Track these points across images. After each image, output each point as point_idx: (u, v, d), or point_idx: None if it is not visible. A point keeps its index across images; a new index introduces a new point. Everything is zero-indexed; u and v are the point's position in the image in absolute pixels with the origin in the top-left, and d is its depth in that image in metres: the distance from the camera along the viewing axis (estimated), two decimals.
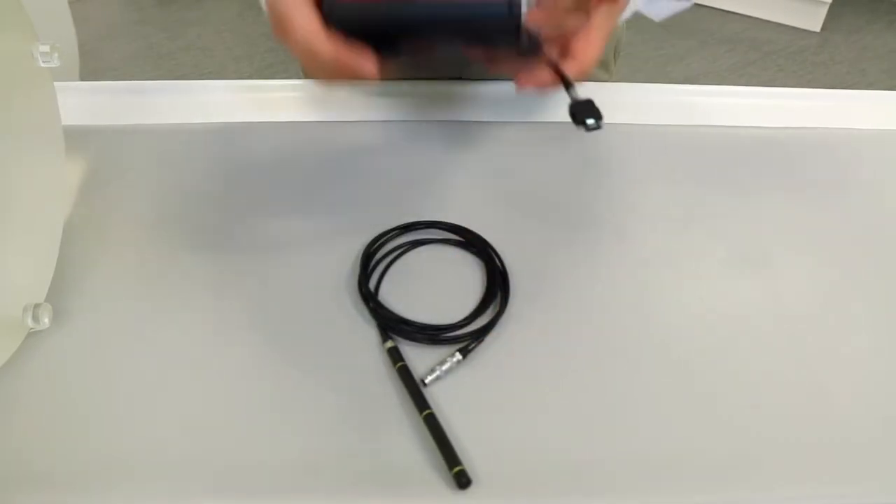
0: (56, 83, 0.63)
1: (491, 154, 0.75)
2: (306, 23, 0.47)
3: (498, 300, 0.59)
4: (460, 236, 0.64)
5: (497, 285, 0.60)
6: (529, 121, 0.78)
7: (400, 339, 0.57)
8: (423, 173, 0.72)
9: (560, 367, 0.56)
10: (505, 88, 0.84)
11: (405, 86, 0.83)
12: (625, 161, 0.74)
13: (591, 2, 0.50)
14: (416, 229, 0.65)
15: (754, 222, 0.69)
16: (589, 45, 0.49)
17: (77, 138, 0.73)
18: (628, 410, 0.54)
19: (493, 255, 0.62)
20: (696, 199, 0.71)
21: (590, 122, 0.47)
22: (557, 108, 0.82)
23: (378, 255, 0.63)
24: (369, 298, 0.59)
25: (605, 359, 0.57)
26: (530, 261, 0.63)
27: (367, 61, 0.47)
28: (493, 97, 0.83)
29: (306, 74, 0.96)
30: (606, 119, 0.78)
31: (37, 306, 0.56)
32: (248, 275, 0.62)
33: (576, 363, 0.57)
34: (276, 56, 2.17)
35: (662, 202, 0.70)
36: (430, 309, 0.59)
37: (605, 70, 0.94)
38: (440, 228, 0.65)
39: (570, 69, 0.48)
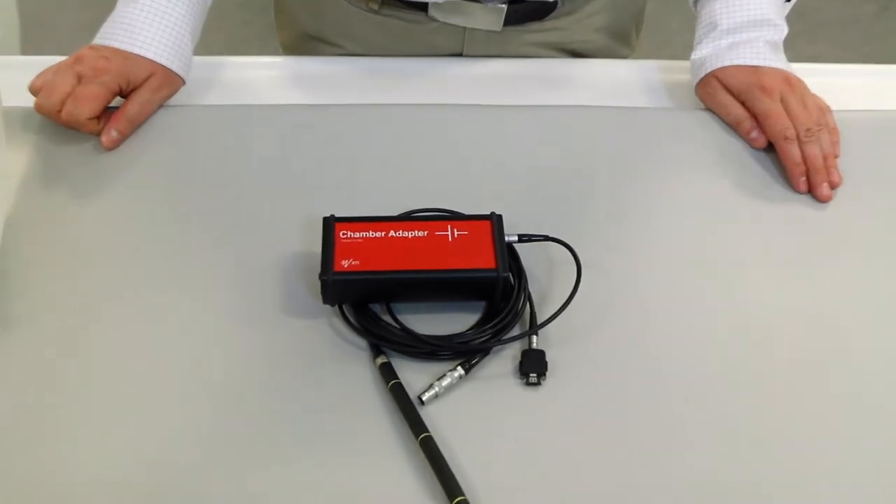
0: None
1: (499, 140, 0.75)
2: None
3: (508, 307, 0.60)
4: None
5: (506, 289, 0.60)
6: (541, 104, 0.79)
7: (394, 354, 0.58)
8: (424, 162, 0.73)
9: (576, 385, 0.57)
10: (510, 67, 0.84)
11: (401, 63, 0.84)
12: (649, 148, 0.75)
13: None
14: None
15: (796, 220, 0.69)
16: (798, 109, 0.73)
17: (19, 122, 0.73)
18: (649, 437, 0.55)
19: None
20: (730, 193, 0.71)
21: (532, 376, 0.56)
22: (571, 89, 0.82)
23: None
24: (358, 307, 0.60)
25: (625, 375, 0.58)
26: (547, 260, 0.64)
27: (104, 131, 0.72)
28: (497, 77, 0.83)
29: (284, 50, 0.97)
30: (624, 101, 0.80)
31: None
32: (218, 276, 0.63)
33: (594, 380, 0.57)
34: (251, 28, 2.17)
35: (692, 195, 0.71)
36: (429, 318, 0.60)
37: (626, 44, 0.94)
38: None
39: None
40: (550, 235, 0.62)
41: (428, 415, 0.54)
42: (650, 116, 0.78)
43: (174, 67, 0.74)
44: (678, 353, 0.59)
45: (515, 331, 0.59)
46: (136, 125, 0.74)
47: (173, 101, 0.77)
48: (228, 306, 0.61)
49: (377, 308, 0.60)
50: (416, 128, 0.76)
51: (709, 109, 0.79)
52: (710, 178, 0.73)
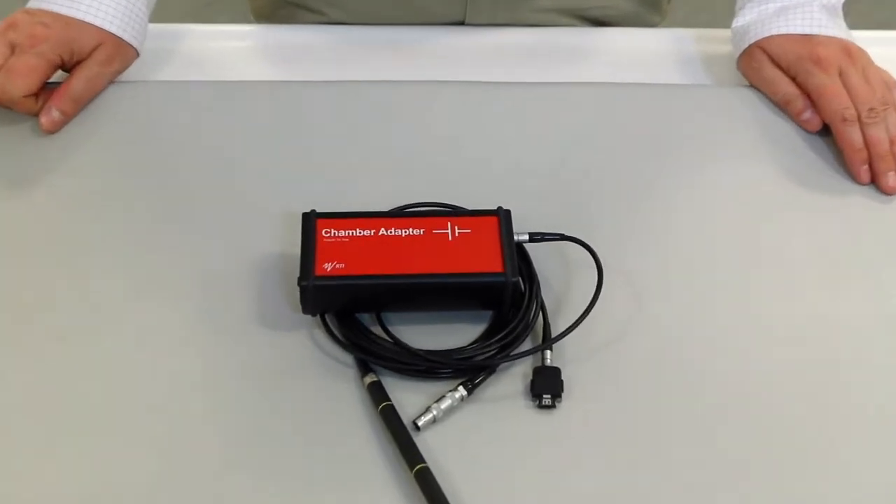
0: None
1: (506, 123, 0.76)
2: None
3: (517, 318, 0.60)
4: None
5: (516, 296, 0.61)
6: (556, 81, 0.79)
7: (385, 372, 0.59)
8: (419, 148, 0.73)
9: (596, 408, 0.58)
10: (520, 37, 0.85)
11: (393, 33, 0.84)
12: (684, 132, 0.76)
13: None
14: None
15: (856, 215, 0.70)
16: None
17: None
18: (680, 467, 0.55)
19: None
20: (779, 184, 0.72)
21: (545, 398, 0.57)
22: (592, 63, 0.83)
23: None
24: (344, 317, 0.61)
25: (653, 397, 0.58)
26: (563, 262, 0.65)
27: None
28: (505, 49, 0.84)
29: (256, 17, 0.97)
30: (654, 77, 0.80)
31: None
32: (179, 281, 0.63)
33: (617, 402, 0.58)
34: None
35: (733, 187, 0.72)
36: (426, 330, 0.61)
37: (655, 10, 0.95)
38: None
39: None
40: (567, 234, 0.63)
41: (424, 442, 0.55)
42: (684, 94, 0.79)
43: (126, 37, 0.75)
44: (715, 370, 0.60)
45: (526, 345, 0.60)
46: (82, 104, 0.75)
47: (125, 76, 0.78)
48: (192, 316, 0.62)
49: (365, 319, 0.61)
50: (410, 108, 0.76)
51: (753, 86, 0.80)
52: (755, 166, 0.73)
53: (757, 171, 0.73)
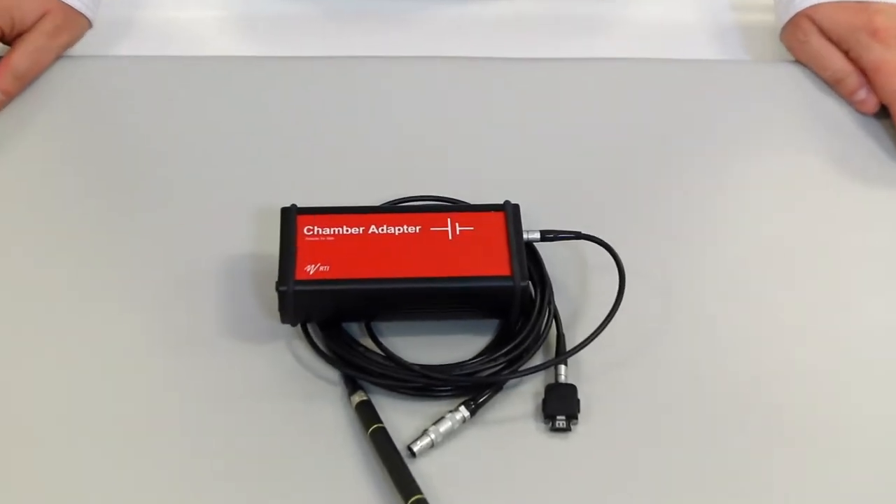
0: None
1: (514, 105, 0.76)
2: None
3: (527, 328, 0.60)
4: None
5: (525, 303, 0.61)
6: (572, 57, 0.79)
7: (376, 390, 0.59)
8: (415, 134, 0.74)
9: (617, 430, 0.58)
10: (531, 7, 0.84)
11: (384, 2, 0.84)
12: (719, 115, 0.76)
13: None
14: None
15: None
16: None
17: None
18: (713, 497, 0.55)
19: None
20: (828, 174, 0.72)
21: (559, 419, 0.57)
22: (613, 36, 0.83)
23: None
24: (328, 328, 0.61)
25: (683, 418, 0.58)
26: (579, 264, 0.65)
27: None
28: (513, 20, 0.83)
29: None
30: (685, 52, 0.80)
31: None
32: (140, 285, 0.63)
33: (640, 424, 0.58)
34: None
35: (775, 177, 0.72)
36: (422, 342, 0.61)
37: None
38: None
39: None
40: (583, 232, 0.63)
41: (420, 471, 0.55)
42: (720, 72, 0.80)
43: (76, 4, 0.75)
44: (754, 388, 0.60)
45: (537, 359, 0.60)
46: (26, 83, 0.75)
47: (76, 49, 0.78)
48: (154, 326, 0.62)
49: (353, 329, 0.61)
50: (405, 88, 0.77)
51: (799, 62, 0.80)
52: (801, 154, 0.73)
53: (803, 160, 0.73)
